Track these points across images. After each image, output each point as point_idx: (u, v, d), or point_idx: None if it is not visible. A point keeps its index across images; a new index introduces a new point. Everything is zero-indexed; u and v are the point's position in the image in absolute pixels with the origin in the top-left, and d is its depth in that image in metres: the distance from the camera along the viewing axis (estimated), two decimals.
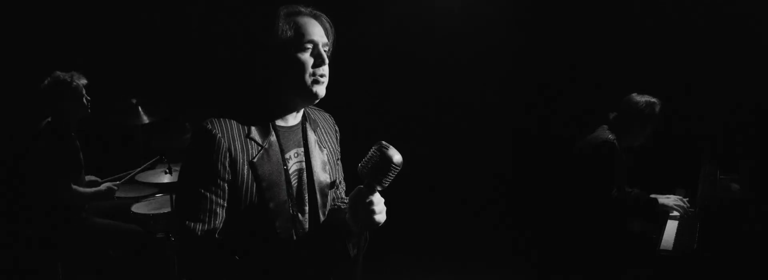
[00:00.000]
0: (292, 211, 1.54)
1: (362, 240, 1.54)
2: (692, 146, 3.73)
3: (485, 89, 4.31)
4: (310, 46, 1.48)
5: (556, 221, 3.19)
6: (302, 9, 1.52)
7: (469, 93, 4.32)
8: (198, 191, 1.44)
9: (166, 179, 3.20)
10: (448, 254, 3.94)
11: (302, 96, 1.52)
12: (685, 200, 3.02)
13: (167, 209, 3.25)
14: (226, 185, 1.45)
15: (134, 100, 3.58)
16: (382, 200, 1.50)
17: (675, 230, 2.81)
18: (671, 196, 3.08)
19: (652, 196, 3.08)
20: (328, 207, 1.64)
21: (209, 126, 1.44)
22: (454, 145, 4.40)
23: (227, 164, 1.44)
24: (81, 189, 3.14)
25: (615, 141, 2.96)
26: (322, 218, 1.61)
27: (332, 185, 1.66)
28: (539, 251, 3.70)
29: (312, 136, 1.61)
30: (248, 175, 1.47)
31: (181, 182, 1.53)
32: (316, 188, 1.59)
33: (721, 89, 3.65)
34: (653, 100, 3.00)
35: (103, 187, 3.19)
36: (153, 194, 3.58)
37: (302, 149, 1.59)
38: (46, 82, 3.03)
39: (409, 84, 4.29)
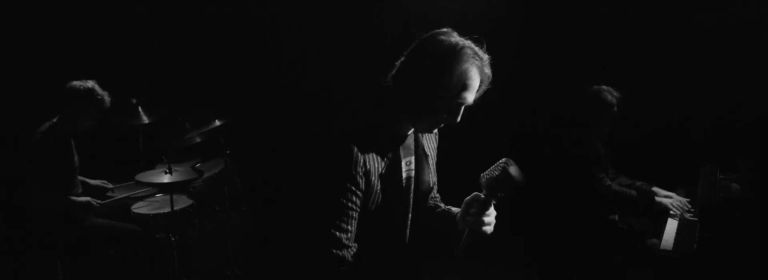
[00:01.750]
0: (407, 218, 1.60)
1: (464, 242, 1.57)
2: (692, 146, 3.73)
3: (486, 89, 4.30)
4: (459, 104, 1.48)
5: (553, 221, 3.19)
6: (480, 56, 1.46)
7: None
8: (343, 204, 1.44)
9: (166, 178, 3.20)
10: (447, 254, 3.93)
11: (418, 129, 1.56)
12: (685, 201, 3.02)
13: (167, 209, 3.24)
14: (362, 196, 1.48)
15: (134, 101, 3.58)
16: (495, 212, 1.54)
17: (675, 230, 2.81)
18: (672, 194, 3.08)
19: (654, 188, 3.10)
20: (424, 207, 1.70)
21: (344, 140, 1.44)
22: (455, 145, 4.39)
23: (363, 176, 1.46)
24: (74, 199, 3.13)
25: (583, 137, 2.97)
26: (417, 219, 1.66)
27: (432, 189, 1.73)
28: (539, 251, 3.69)
29: (421, 144, 1.64)
30: (377, 187, 1.50)
31: (318, 192, 1.49)
32: (421, 193, 1.64)
33: (721, 89, 3.65)
34: (602, 87, 3.00)
35: (83, 199, 3.17)
36: (153, 194, 3.58)
37: (413, 157, 1.62)
38: (82, 84, 3.01)
39: None
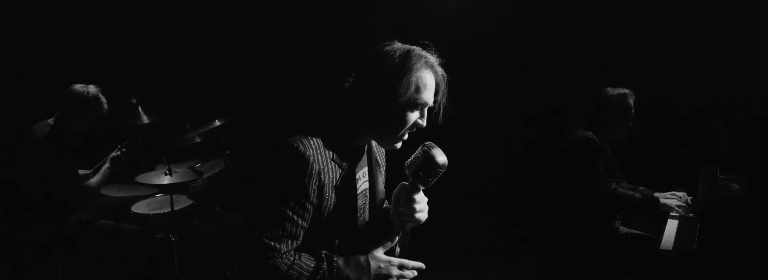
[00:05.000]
0: (357, 228, 1.57)
1: (404, 237, 1.55)
2: (692, 146, 3.73)
3: (486, 90, 4.31)
4: (421, 107, 1.47)
5: (552, 221, 3.19)
6: (434, 64, 1.48)
7: (471, 94, 4.31)
8: (285, 214, 1.41)
9: (166, 179, 3.20)
10: (447, 254, 3.94)
11: (383, 143, 1.54)
12: (688, 199, 3.03)
13: (167, 209, 3.24)
14: (312, 208, 1.44)
15: (134, 100, 3.58)
16: (425, 199, 1.53)
17: (675, 230, 2.81)
18: (674, 195, 3.08)
19: (656, 194, 3.09)
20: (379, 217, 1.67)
21: (302, 148, 1.39)
22: (455, 146, 4.39)
23: (316, 188, 1.42)
24: (91, 181, 3.14)
25: (595, 138, 2.95)
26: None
27: (385, 198, 1.69)
28: (539, 252, 3.70)
29: (373, 154, 1.62)
30: (331, 199, 1.47)
31: (265, 200, 1.45)
32: (377, 204, 1.62)
33: (721, 89, 3.66)
34: (625, 91, 2.96)
35: (106, 161, 3.19)
36: (153, 194, 3.58)
37: (367, 169, 1.60)
38: (83, 91, 3.01)
39: None
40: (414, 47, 1.47)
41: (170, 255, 3.23)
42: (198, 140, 3.60)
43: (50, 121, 3.05)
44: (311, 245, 1.49)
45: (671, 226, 2.87)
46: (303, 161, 1.38)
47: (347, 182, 1.50)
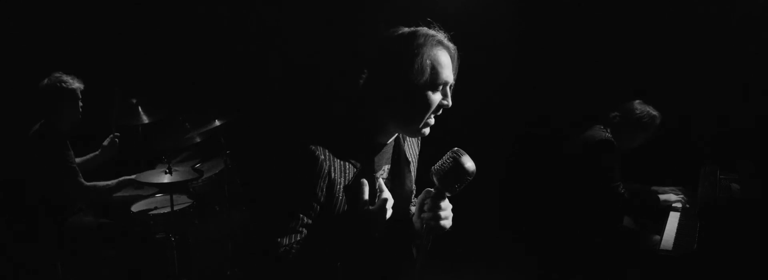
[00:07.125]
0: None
1: (426, 242, 1.51)
2: (692, 146, 3.73)
3: (484, 90, 4.30)
4: (441, 87, 1.43)
5: (555, 220, 3.19)
6: (443, 41, 1.43)
7: (468, 94, 4.31)
8: (292, 212, 1.40)
9: (166, 179, 3.20)
10: (447, 254, 3.93)
11: (409, 132, 1.49)
12: (680, 192, 3.08)
13: (167, 209, 3.24)
14: (318, 206, 1.42)
15: (134, 100, 3.58)
16: (450, 206, 1.49)
17: (675, 230, 2.81)
18: (673, 190, 3.16)
19: (653, 188, 3.17)
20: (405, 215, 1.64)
21: (312, 148, 1.37)
22: (453, 145, 4.39)
23: (325, 188, 1.40)
24: (100, 184, 3.17)
25: (613, 139, 2.97)
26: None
27: (411, 194, 1.66)
28: (539, 251, 3.70)
29: (402, 151, 1.58)
30: (342, 197, 1.45)
31: (274, 198, 1.45)
32: (399, 201, 1.57)
33: (721, 89, 3.66)
34: (655, 113, 3.02)
35: (124, 178, 3.25)
36: (153, 194, 3.58)
37: (389, 166, 1.56)
38: (44, 82, 3.03)
39: None
40: (418, 28, 1.43)
41: (170, 255, 3.23)
42: (198, 139, 3.60)
43: (43, 121, 3.06)
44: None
45: (671, 225, 2.87)
46: (313, 161, 1.37)
47: (359, 181, 1.46)
